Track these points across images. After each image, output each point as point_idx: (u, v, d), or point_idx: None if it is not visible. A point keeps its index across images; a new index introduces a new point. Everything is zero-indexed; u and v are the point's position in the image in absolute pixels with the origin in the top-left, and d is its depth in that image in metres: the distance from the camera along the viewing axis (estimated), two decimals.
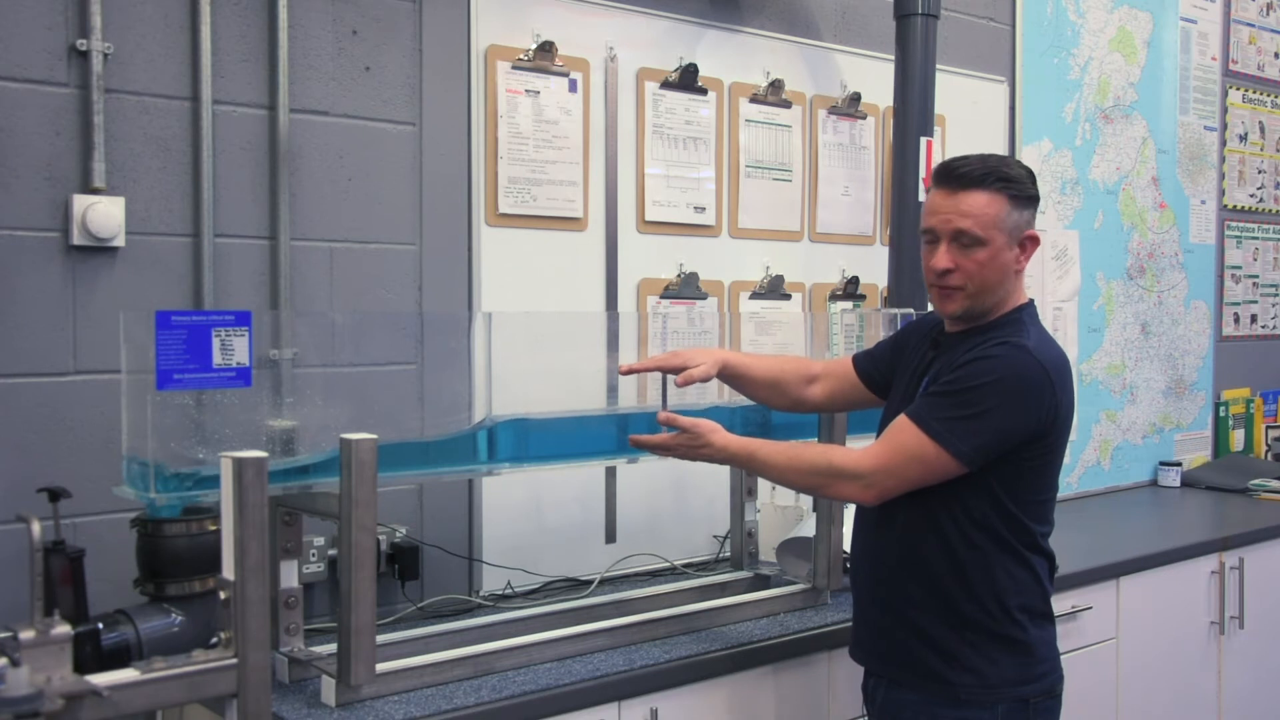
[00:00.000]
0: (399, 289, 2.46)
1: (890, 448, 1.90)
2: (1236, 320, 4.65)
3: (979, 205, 1.88)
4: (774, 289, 3.09)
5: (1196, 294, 4.46)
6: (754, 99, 3.06)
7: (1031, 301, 2.01)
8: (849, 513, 2.55)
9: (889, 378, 2.16)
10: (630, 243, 2.82)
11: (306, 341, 2.28)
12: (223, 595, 1.66)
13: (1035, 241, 1.94)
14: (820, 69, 3.22)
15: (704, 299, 2.95)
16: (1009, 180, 1.90)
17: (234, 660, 1.64)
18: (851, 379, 2.23)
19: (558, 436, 2.26)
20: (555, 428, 2.25)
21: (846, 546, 2.53)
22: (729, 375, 2.19)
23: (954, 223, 1.89)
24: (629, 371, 2.14)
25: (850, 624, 2.16)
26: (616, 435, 2.34)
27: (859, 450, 1.95)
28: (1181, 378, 4.39)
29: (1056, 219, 3.88)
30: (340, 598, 1.82)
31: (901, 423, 1.90)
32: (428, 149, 2.50)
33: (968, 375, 1.86)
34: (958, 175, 1.90)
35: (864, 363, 2.23)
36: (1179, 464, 4.24)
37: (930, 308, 2.07)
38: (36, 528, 1.58)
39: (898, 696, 2.00)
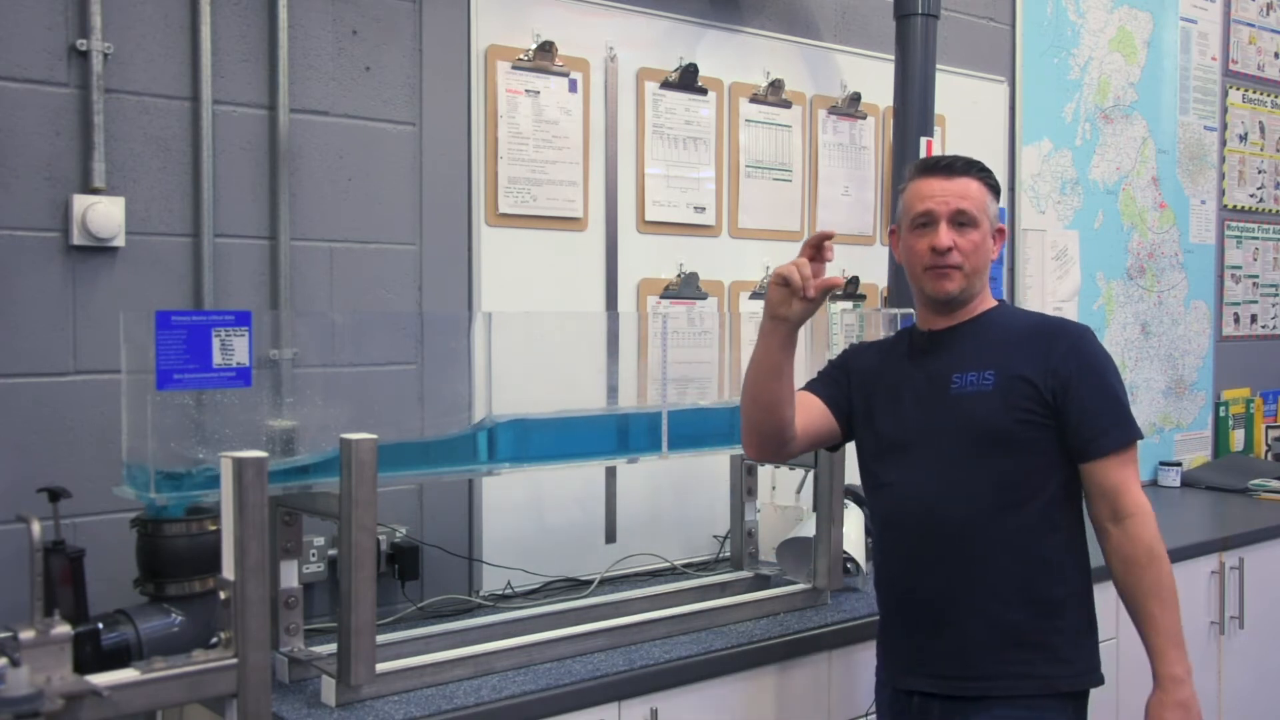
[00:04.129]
0: (399, 289, 2.46)
1: (1135, 480, 1.96)
2: (1236, 320, 4.65)
3: (973, 189, 1.99)
4: None
5: (1196, 294, 4.46)
6: (754, 99, 3.06)
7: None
8: (850, 513, 2.55)
9: (849, 395, 2.09)
10: (630, 243, 2.82)
11: (306, 341, 2.28)
12: (223, 595, 1.66)
13: (1003, 234, 2.07)
14: (820, 69, 3.22)
15: (704, 299, 2.95)
16: (986, 172, 2.04)
17: (234, 660, 1.64)
18: (817, 406, 2.08)
19: (558, 436, 2.26)
20: (555, 428, 2.25)
21: (847, 546, 2.53)
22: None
23: (953, 203, 1.97)
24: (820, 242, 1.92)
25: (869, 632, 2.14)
26: (616, 435, 2.34)
27: (1131, 519, 1.92)
28: (1181, 378, 4.39)
29: (1056, 219, 3.88)
30: (340, 598, 1.82)
31: (1121, 457, 1.94)
32: (428, 149, 2.50)
33: (1102, 380, 1.95)
34: (947, 165, 2.02)
35: (820, 387, 2.11)
36: (1179, 464, 4.23)
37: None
38: (36, 528, 1.58)
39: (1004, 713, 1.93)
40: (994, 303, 2.06)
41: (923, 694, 1.98)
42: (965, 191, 1.98)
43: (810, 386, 2.13)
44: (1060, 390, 1.91)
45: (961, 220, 1.97)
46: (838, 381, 2.12)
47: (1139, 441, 1.97)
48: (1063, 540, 1.96)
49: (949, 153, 2.08)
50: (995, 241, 2.03)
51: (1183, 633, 1.96)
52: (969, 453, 1.93)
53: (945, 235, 1.96)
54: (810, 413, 2.06)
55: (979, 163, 2.04)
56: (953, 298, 1.99)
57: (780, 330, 1.88)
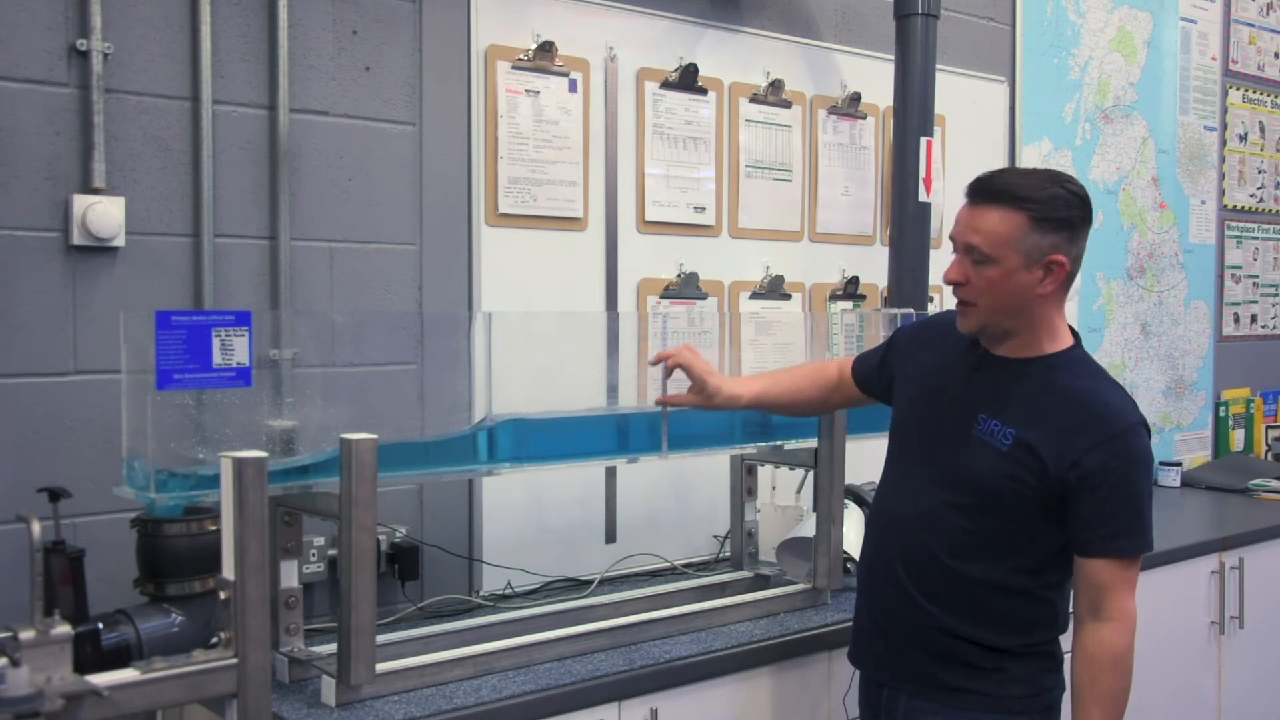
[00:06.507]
0: (399, 289, 2.46)
1: (1128, 587, 1.86)
2: (1236, 320, 4.66)
3: (991, 222, 1.81)
4: (774, 289, 3.09)
5: (1196, 294, 4.47)
6: (754, 99, 3.06)
7: (1079, 340, 1.95)
8: (850, 513, 2.55)
9: (887, 386, 2.15)
10: (630, 243, 2.82)
11: (306, 341, 2.28)
12: (223, 595, 1.66)
13: (1062, 267, 1.82)
14: (820, 69, 3.22)
15: (704, 299, 2.95)
16: (1028, 200, 1.81)
17: (234, 660, 1.64)
18: (850, 383, 2.24)
19: (558, 436, 2.26)
20: (555, 428, 2.25)
21: (847, 546, 2.53)
22: (758, 406, 2.24)
23: (966, 236, 1.85)
24: (657, 361, 2.17)
25: (849, 625, 2.15)
26: (616, 435, 2.34)
27: (1109, 624, 1.85)
28: (1181, 378, 4.40)
29: None
30: (340, 598, 1.82)
31: (1118, 563, 1.84)
32: (428, 149, 2.50)
33: (1125, 486, 1.82)
34: (977, 189, 1.86)
35: (862, 373, 2.21)
36: (1179, 464, 4.23)
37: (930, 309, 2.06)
38: (36, 528, 1.58)
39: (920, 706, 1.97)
40: (1066, 344, 1.91)
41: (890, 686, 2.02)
42: (980, 224, 1.82)
43: (856, 365, 2.24)
44: (1077, 484, 1.81)
45: (975, 256, 1.83)
46: (870, 368, 2.20)
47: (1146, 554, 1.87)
48: (1026, 602, 1.90)
49: (1004, 166, 1.94)
50: (1051, 274, 1.82)
51: None
52: (960, 499, 1.90)
53: (954, 268, 1.87)
54: (852, 388, 2.23)
55: (1017, 187, 1.82)
56: (972, 333, 1.91)
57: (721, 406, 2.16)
